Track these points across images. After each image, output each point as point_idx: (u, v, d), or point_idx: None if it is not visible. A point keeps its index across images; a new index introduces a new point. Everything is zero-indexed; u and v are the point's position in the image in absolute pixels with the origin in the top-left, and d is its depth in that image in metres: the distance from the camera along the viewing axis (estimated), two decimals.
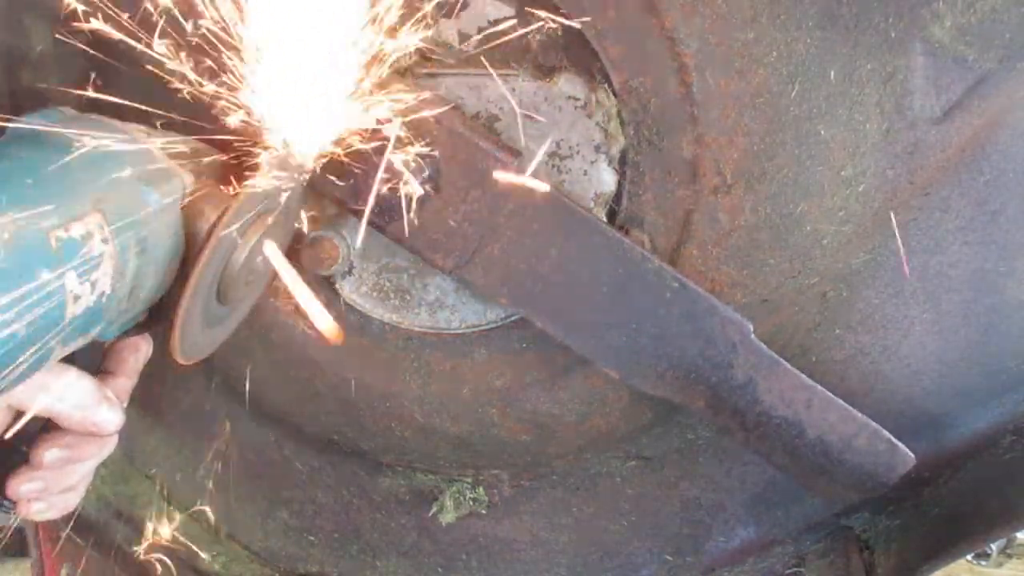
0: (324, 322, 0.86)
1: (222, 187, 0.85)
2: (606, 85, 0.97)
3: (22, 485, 0.83)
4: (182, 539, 1.31)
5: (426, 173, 0.95)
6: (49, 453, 0.82)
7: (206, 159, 0.85)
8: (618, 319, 1.01)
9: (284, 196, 0.86)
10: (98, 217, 0.70)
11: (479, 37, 0.98)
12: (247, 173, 0.83)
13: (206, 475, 1.32)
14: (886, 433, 1.04)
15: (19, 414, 0.79)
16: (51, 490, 0.85)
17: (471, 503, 1.24)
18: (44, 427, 0.83)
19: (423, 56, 0.99)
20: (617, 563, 1.26)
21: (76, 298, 0.67)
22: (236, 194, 0.79)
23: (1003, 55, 0.95)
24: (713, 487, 1.20)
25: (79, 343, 0.73)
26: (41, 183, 0.67)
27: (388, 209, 0.98)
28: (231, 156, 0.87)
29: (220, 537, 1.34)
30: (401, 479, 1.27)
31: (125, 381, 0.90)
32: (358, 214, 0.99)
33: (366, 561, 1.32)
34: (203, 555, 1.31)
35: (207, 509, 1.33)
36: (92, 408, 0.81)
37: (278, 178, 0.83)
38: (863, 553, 1.14)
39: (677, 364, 1.02)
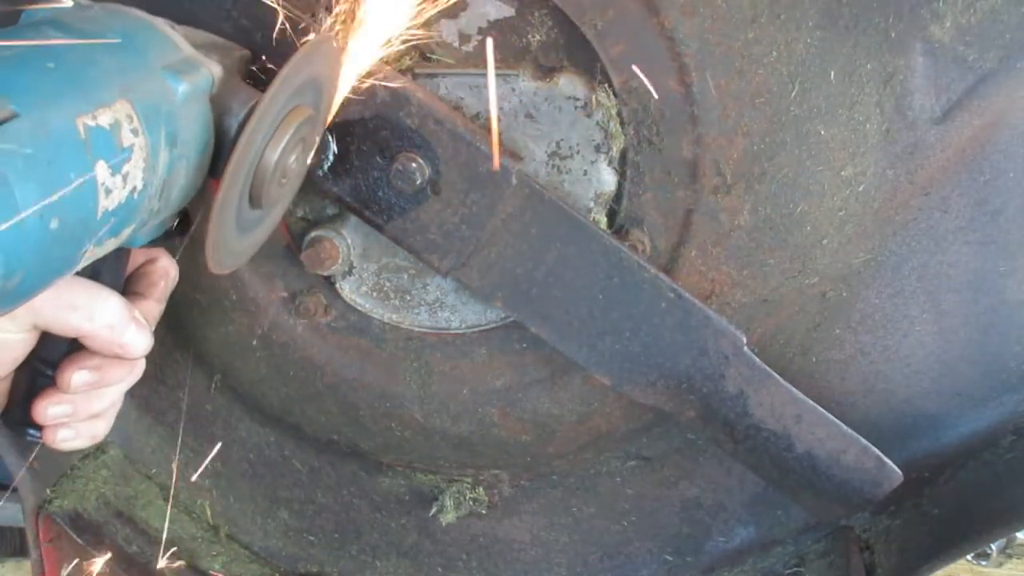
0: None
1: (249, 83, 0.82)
2: (606, 85, 0.97)
3: (49, 408, 0.81)
4: (182, 539, 1.32)
5: (426, 174, 0.96)
6: (77, 375, 0.80)
7: (232, 54, 0.82)
8: (612, 326, 1.01)
9: (319, 86, 0.82)
10: (126, 105, 0.66)
11: (479, 37, 0.98)
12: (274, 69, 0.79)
13: (206, 475, 1.32)
14: (875, 450, 1.04)
15: (45, 335, 0.78)
16: (79, 415, 0.83)
17: (471, 503, 1.24)
18: (69, 351, 0.81)
19: (423, 56, 0.99)
20: (617, 563, 1.26)
21: (108, 192, 0.64)
22: (266, 86, 0.75)
23: (1003, 55, 0.95)
24: (713, 487, 1.21)
25: (110, 244, 0.70)
26: (63, 68, 0.64)
27: (388, 208, 0.98)
28: (257, 54, 0.84)
29: (220, 537, 1.34)
30: (401, 479, 1.27)
31: (155, 305, 0.88)
32: (358, 212, 0.99)
33: (366, 561, 1.32)
34: (203, 555, 1.32)
35: (207, 509, 1.33)
36: (121, 328, 0.78)
37: (313, 68, 0.79)
38: (863, 553, 1.14)
39: (669, 373, 1.02)
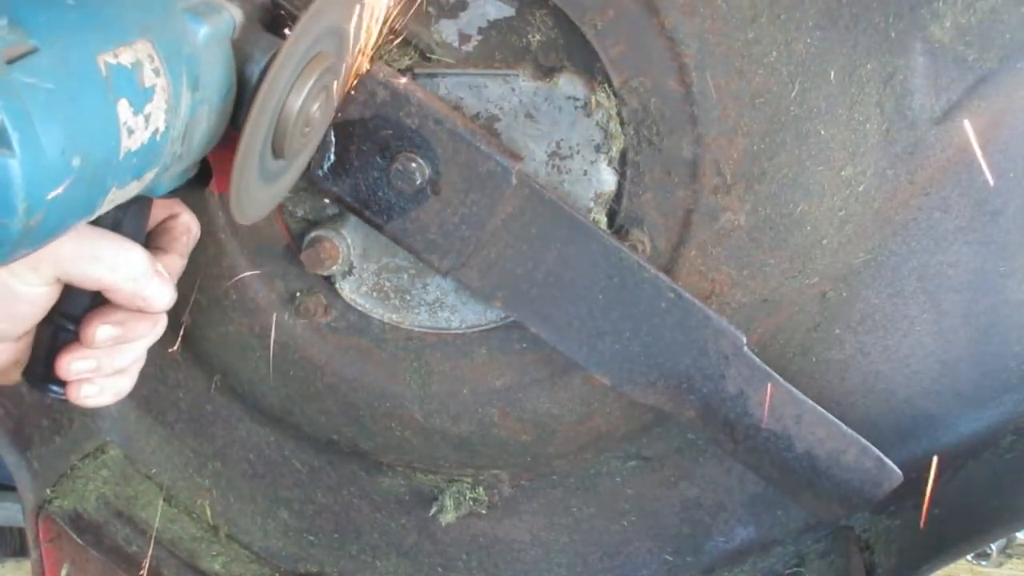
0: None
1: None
2: (606, 85, 0.97)
3: (73, 363, 0.80)
4: (182, 539, 1.32)
5: (426, 174, 0.96)
6: (101, 330, 0.79)
7: (252, 0, 0.81)
8: (612, 327, 1.01)
9: (340, 34, 0.81)
10: (147, 45, 0.65)
11: (479, 37, 0.98)
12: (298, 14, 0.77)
13: (206, 475, 1.32)
14: (875, 450, 1.04)
15: (67, 289, 0.77)
16: (103, 370, 0.82)
17: (471, 503, 1.24)
18: (91, 306, 0.80)
19: (423, 56, 0.99)
20: (617, 563, 1.26)
21: (130, 132, 0.63)
22: (289, 32, 0.74)
23: (1003, 55, 0.95)
24: (713, 487, 1.21)
25: (133, 188, 0.69)
26: (83, 5, 0.63)
27: (387, 208, 0.98)
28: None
29: (220, 537, 1.34)
30: (401, 479, 1.27)
31: (177, 259, 0.88)
32: (357, 212, 0.99)
33: (366, 561, 1.32)
34: (203, 555, 1.32)
35: (207, 509, 1.33)
36: (144, 281, 0.77)
37: (335, 15, 0.78)
38: (863, 553, 1.14)
39: (669, 373, 1.02)
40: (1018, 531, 1.23)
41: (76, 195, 0.60)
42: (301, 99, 0.77)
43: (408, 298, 1.10)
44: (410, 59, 0.98)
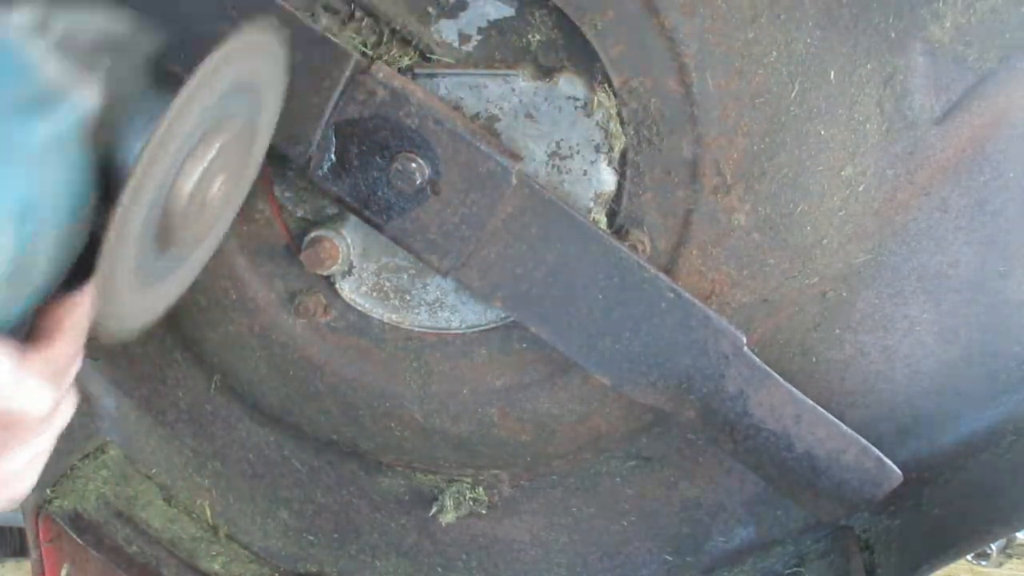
0: None
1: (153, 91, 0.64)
2: (606, 85, 0.97)
3: None
4: (182, 539, 1.32)
5: (426, 174, 0.96)
6: None
7: (137, 50, 0.63)
8: (612, 327, 1.01)
9: (247, 101, 0.66)
10: None
11: (479, 37, 0.98)
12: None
13: (206, 475, 1.32)
14: (875, 450, 1.04)
15: None
16: None
17: (471, 503, 1.24)
18: None
19: (423, 56, 0.99)
20: (617, 563, 1.26)
21: None
22: (172, 99, 0.57)
23: (1003, 55, 0.95)
24: (713, 487, 1.20)
25: None
26: None
27: (387, 208, 0.98)
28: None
29: (220, 537, 1.34)
30: (401, 479, 1.27)
31: (63, 347, 0.67)
32: (357, 212, 0.99)
33: (366, 561, 1.32)
34: (203, 555, 1.32)
35: (207, 509, 1.33)
36: (8, 390, 0.61)
37: (247, 66, 0.63)
38: (863, 553, 1.14)
39: (669, 373, 1.02)
40: (1018, 531, 1.23)
41: None
42: (193, 182, 0.62)
43: (408, 298, 1.10)
44: (410, 59, 0.98)
